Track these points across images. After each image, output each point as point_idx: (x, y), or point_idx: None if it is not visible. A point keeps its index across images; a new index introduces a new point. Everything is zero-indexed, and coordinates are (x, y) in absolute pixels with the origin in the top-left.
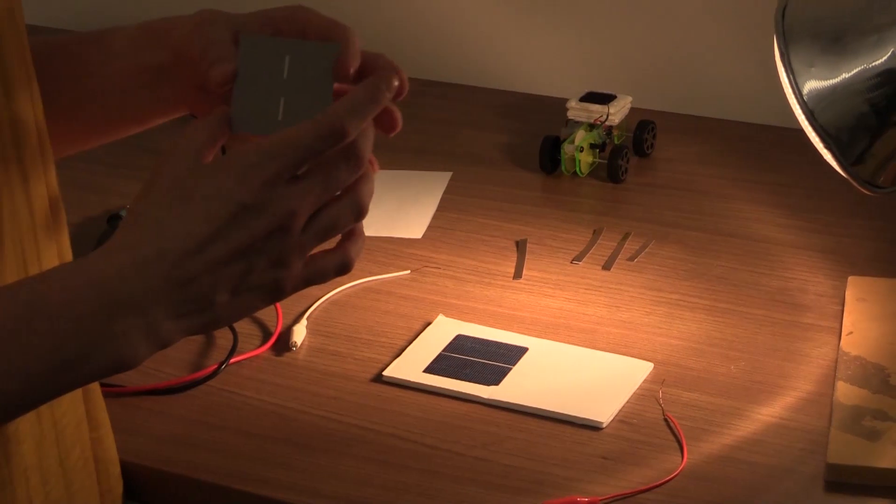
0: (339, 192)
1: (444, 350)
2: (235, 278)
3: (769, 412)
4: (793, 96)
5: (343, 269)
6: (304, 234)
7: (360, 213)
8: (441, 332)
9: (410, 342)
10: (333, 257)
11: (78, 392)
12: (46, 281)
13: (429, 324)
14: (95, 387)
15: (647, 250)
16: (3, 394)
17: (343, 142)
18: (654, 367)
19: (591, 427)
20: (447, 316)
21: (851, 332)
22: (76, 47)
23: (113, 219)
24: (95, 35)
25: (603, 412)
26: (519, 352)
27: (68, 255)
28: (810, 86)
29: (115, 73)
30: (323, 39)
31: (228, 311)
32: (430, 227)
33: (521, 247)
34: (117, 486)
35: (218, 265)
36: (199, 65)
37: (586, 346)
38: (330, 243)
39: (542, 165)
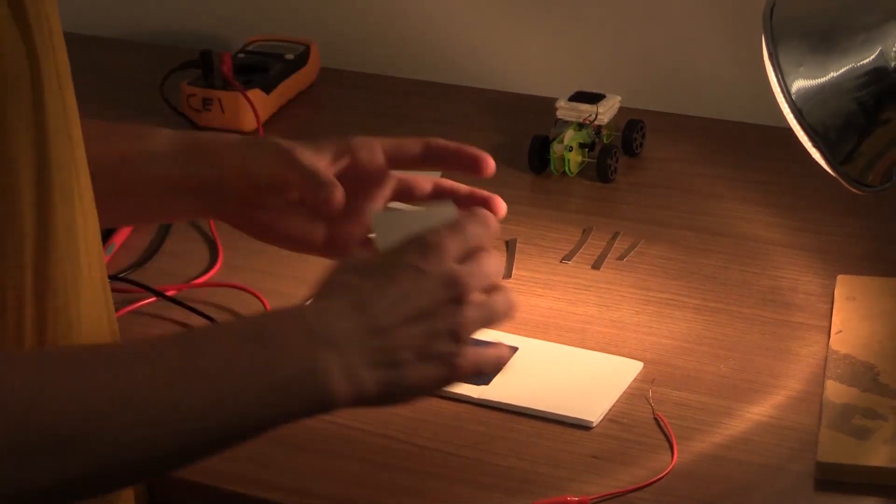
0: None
1: None
2: (420, 339)
3: (759, 411)
4: (781, 95)
5: (499, 363)
6: (473, 313)
7: (511, 308)
8: None
9: None
10: (490, 350)
11: None
12: (254, 314)
13: None
14: None
15: (636, 249)
16: (218, 426)
17: (491, 223)
18: (644, 367)
19: (582, 426)
20: None
21: (841, 331)
22: (116, 140)
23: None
24: (135, 131)
25: (593, 411)
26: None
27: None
28: (798, 85)
29: (157, 176)
30: (434, 199)
31: (414, 375)
32: None
33: (510, 246)
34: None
35: (406, 321)
36: (288, 185)
37: (576, 346)
38: None
39: (532, 165)
